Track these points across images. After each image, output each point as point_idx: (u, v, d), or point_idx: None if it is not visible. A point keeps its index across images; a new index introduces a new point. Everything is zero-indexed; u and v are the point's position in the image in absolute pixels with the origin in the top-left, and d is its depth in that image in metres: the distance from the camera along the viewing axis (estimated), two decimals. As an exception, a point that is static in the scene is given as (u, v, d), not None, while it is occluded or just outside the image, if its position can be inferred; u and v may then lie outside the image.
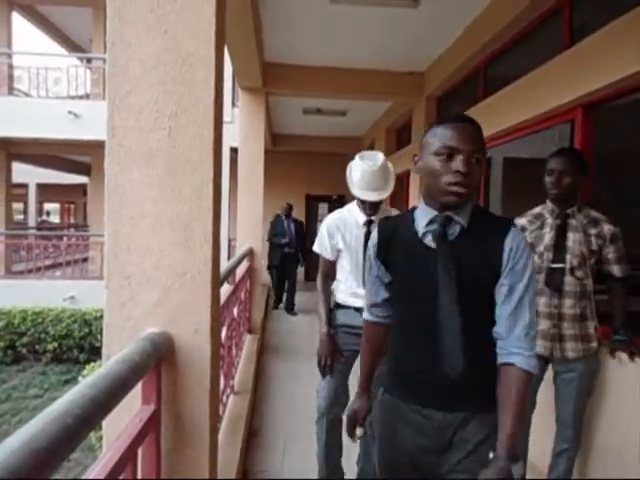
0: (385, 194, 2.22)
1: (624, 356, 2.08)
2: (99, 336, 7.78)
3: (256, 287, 5.18)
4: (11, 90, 10.04)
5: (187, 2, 1.25)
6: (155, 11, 1.25)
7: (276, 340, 5.71)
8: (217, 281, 1.41)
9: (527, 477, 2.32)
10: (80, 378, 5.10)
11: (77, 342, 7.75)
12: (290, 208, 7.46)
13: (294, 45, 4.65)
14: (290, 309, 7.24)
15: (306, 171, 10.60)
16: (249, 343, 4.66)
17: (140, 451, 1.12)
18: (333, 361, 2.24)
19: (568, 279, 2.12)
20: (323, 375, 2.27)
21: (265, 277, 7.43)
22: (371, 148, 8.34)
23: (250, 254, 4.90)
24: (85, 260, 10.61)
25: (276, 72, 5.09)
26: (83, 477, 0.87)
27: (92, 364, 5.41)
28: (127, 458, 1.01)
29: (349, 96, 5.67)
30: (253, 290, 5.05)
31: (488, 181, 6.68)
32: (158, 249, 1.24)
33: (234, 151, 7.18)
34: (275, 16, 3.96)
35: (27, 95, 10.57)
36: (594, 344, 2.10)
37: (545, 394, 2.24)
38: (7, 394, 6.60)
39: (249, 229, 5.21)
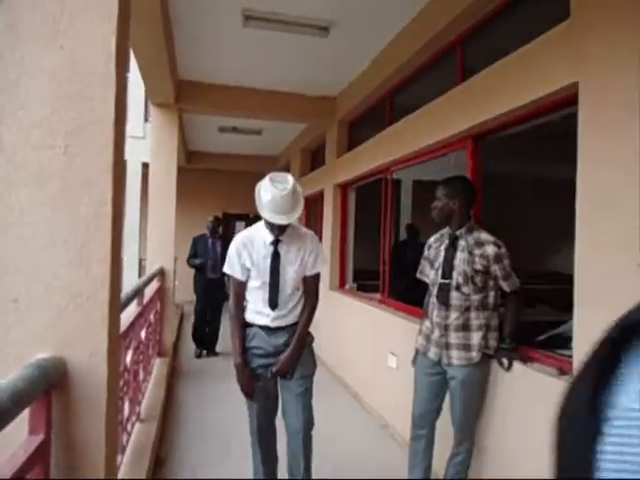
0: (294, 217, 2.23)
1: (506, 362, 2.30)
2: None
3: (167, 308, 5.00)
4: None
5: (86, 18, 1.24)
6: (51, 26, 1.23)
7: (188, 363, 5.52)
8: (116, 302, 1.37)
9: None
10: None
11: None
12: (217, 223, 5.86)
13: (208, 63, 4.65)
14: (210, 348, 5.85)
15: (223, 189, 10.49)
16: (159, 367, 4.47)
17: (26, 485, 1.06)
18: (252, 383, 2.28)
19: (454, 294, 2.32)
20: (248, 397, 2.32)
21: (180, 298, 7.13)
22: (287, 168, 8.49)
23: (161, 274, 4.73)
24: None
25: (190, 89, 5.04)
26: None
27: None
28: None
29: (264, 116, 5.75)
30: (164, 311, 4.87)
31: (399, 201, 7.11)
32: (51, 270, 1.20)
33: (146, 167, 6.94)
34: (188, 34, 3.95)
35: None
36: (474, 353, 2.29)
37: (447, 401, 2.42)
38: None
39: (160, 248, 5.04)
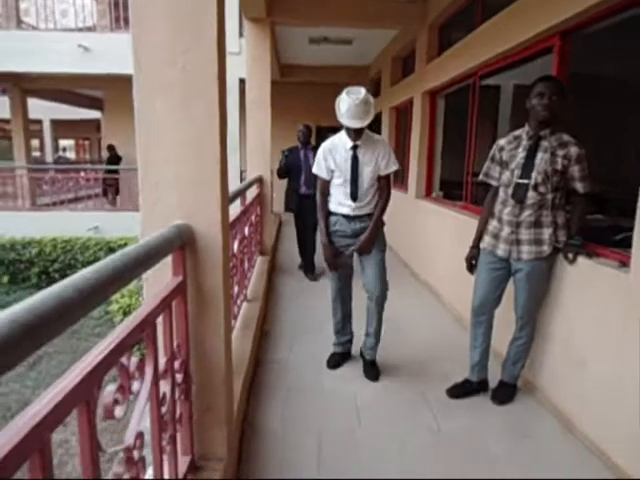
0: (366, 122, 2.68)
1: (571, 256, 2.44)
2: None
3: (266, 213, 5.58)
4: (19, 24, 10.07)
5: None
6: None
7: (286, 262, 6.19)
8: (225, 192, 1.78)
9: (489, 362, 2.79)
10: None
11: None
12: (308, 131, 5.26)
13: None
14: (309, 270, 5.40)
15: (316, 102, 10.64)
16: (260, 263, 5.13)
17: (172, 308, 1.55)
18: (335, 258, 2.95)
19: (531, 193, 2.45)
20: (332, 269, 3.00)
21: (277, 209, 7.63)
22: (378, 77, 8.38)
23: (260, 181, 5.25)
24: (105, 194, 11.10)
25: (280, 1, 5.16)
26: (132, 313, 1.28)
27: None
28: (163, 307, 1.43)
29: (355, 24, 5.72)
30: (264, 215, 5.46)
31: (497, 109, 6.81)
32: (178, 162, 1.61)
33: (242, 82, 7.32)
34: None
35: (35, 28, 10.58)
36: (545, 247, 2.46)
37: (508, 291, 2.65)
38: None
39: (258, 159, 5.52)
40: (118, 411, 1.06)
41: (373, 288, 2.87)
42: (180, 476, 1.58)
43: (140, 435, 1.21)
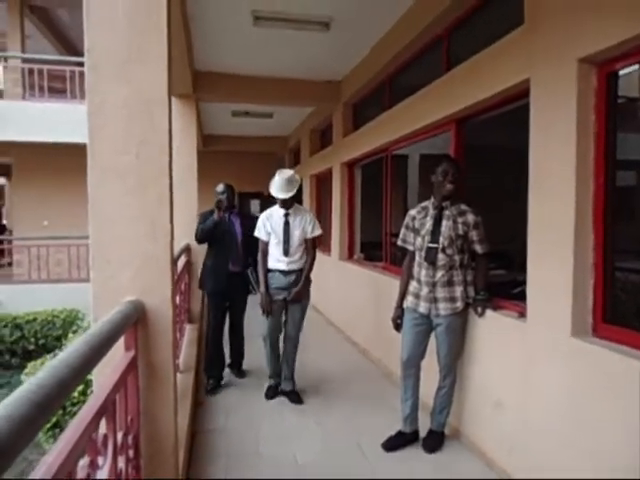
0: (290, 194, 3.58)
1: (479, 310, 2.80)
2: (32, 339, 7.74)
3: (193, 279, 5.58)
4: None
5: (146, 60, 1.73)
6: (122, 66, 1.72)
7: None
8: (174, 263, 1.90)
9: (419, 413, 3.00)
10: (23, 377, 5.23)
11: (8, 347, 7.67)
12: (232, 193, 4.12)
13: (222, 56, 5.09)
14: (236, 366, 4.34)
15: (237, 170, 10.97)
16: (190, 331, 5.07)
17: (125, 387, 1.60)
18: (271, 306, 3.62)
19: (440, 255, 2.81)
20: (266, 315, 3.65)
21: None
22: (297, 147, 8.93)
23: (187, 250, 5.29)
24: (10, 264, 10.29)
25: (206, 80, 5.50)
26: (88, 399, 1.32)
27: (34, 362, 5.53)
28: (120, 383, 1.49)
29: (274, 102, 6.20)
30: (191, 282, 5.45)
31: (406, 176, 7.53)
32: (132, 239, 1.72)
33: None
34: (203, 29, 4.38)
35: None
36: (459, 303, 2.80)
37: (431, 346, 2.93)
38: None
39: (185, 227, 5.58)
40: (89, 486, 1.11)
41: (292, 329, 3.72)
42: None
43: (104, 510, 1.24)
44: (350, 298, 5.53)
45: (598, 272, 2.14)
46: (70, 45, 11.38)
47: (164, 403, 1.81)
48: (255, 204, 11.25)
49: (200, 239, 4.09)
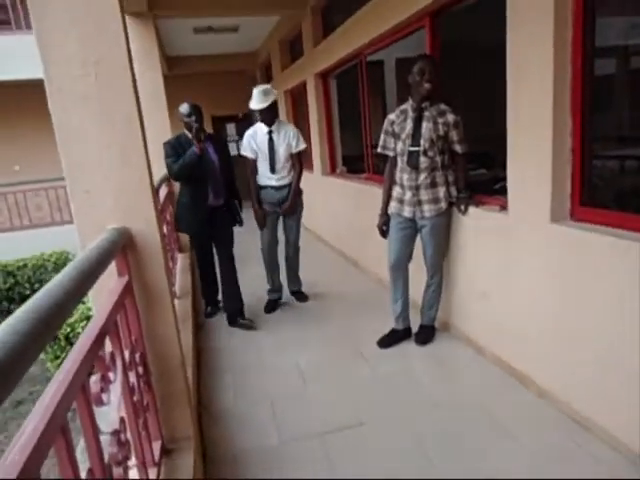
0: (265, 104, 3.58)
1: (463, 207, 2.86)
2: (27, 284, 7.82)
3: (179, 210, 5.55)
4: None
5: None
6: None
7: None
8: (154, 189, 1.87)
9: (409, 311, 3.16)
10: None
11: (5, 294, 7.75)
12: (197, 115, 3.43)
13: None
14: (233, 315, 3.73)
15: (208, 93, 10.46)
16: (182, 260, 5.13)
17: (124, 309, 1.64)
18: (265, 220, 3.78)
19: (422, 158, 2.80)
20: (261, 229, 3.83)
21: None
22: (268, 62, 8.48)
23: (167, 180, 5.20)
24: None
25: (160, -7, 5.07)
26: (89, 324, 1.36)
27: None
28: (118, 306, 1.53)
29: (237, 12, 5.78)
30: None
31: (383, 82, 7.27)
32: (106, 167, 1.68)
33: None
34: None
35: None
36: (442, 204, 2.85)
37: (417, 247, 3.02)
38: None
39: (160, 157, 5.43)
40: (105, 398, 1.18)
41: (291, 236, 3.94)
42: (156, 461, 1.71)
43: (123, 420, 1.34)
44: (337, 212, 5.58)
45: (576, 158, 2.16)
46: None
47: (165, 323, 1.88)
48: (231, 127, 10.87)
49: (177, 176, 3.43)
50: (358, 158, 5.44)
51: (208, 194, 3.48)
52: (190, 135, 3.42)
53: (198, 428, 2.39)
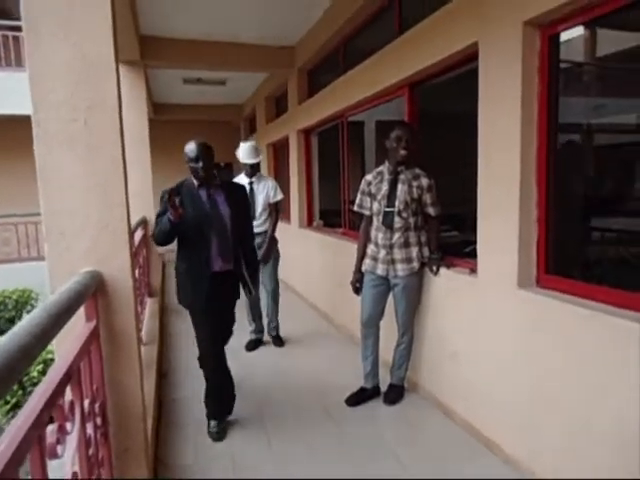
0: (256, 160, 4.04)
1: (435, 268, 2.93)
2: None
3: (152, 254, 5.49)
4: None
5: (90, 19, 1.65)
6: (63, 26, 1.64)
7: (174, 303, 6.08)
8: (131, 232, 1.88)
9: (379, 369, 3.14)
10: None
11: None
12: (206, 158, 2.74)
13: (170, 20, 4.86)
14: (218, 412, 2.85)
15: (192, 139, 10.64)
16: (151, 305, 5.02)
17: (88, 355, 1.60)
18: None
19: (396, 218, 2.90)
20: None
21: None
22: (252, 115, 8.75)
23: (144, 222, 5.17)
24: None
25: (153, 45, 5.26)
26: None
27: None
28: (83, 352, 1.49)
29: (227, 68, 6.01)
30: (150, 256, 5.37)
31: (363, 142, 7.56)
32: (86, 210, 1.68)
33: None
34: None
35: None
36: (415, 263, 2.92)
37: (389, 305, 3.05)
38: None
39: (141, 199, 5.43)
40: (59, 450, 1.13)
41: (269, 283, 4.15)
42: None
43: (75, 475, 1.27)
44: (311, 265, 5.60)
45: (541, 227, 2.27)
46: (2, 9, 10.51)
47: (129, 372, 1.83)
48: (212, 175, 11.00)
49: (158, 241, 2.67)
50: (335, 213, 5.55)
51: (211, 258, 2.68)
52: (195, 182, 2.76)
53: (153, 486, 2.26)
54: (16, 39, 8.61)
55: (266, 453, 2.56)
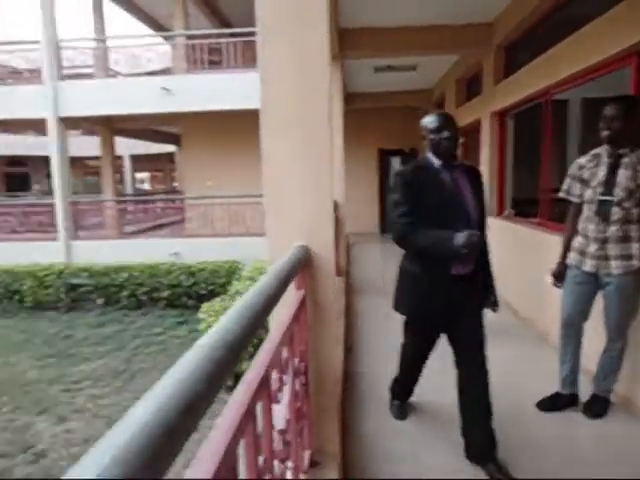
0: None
1: (662, 268, 2.47)
2: (203, 284, 8.97)
3: (341, 236, 5.86)
4: (107, 72, 11.21)
5: (308, 23, 1.82)
6: (287, 29, 1.84)
7: (359, 283, 6.42)
8: (332, 215, 2.04)
9: (578, 377, 2.81)
10: (200, 315, 6.13)
11: (186, 290, 9.00)
12: (453, 131, 2.21)
13: (366, 10, 5.04)
14: (482, 446, 2.29)
15: (377, 126, 10.94)
16: (338, 283, 5.38)
17: (298, 320, 1.80)
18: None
19: (615, 209, 2.51)
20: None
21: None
22: (442, 99, 8.53)
23: (336, 206, 5.54)
24: (183, 221, 11.92)
25: (350, 37, 5.52)
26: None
27: (207, 303, 6.41)
28: (296, 317, 1.69)
29: (421, 52, 5.97)
30: (338, 238, 5.74)
31: (565, 124, 6.76)
32: (299, 190, 1.88)
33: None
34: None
35: (118, 74, 11.74)
36: (635, 261, 2.50)
37: (597, 307, 2.70)
38: (137, 332, 8.00)
39: (334, 184, 5.83)
40: (279, 397, 1.31)
41: None
42: (305, 469, 1.80)
43: (289, 422, 1.46)
44: (500, 256, 5.27)
45: None
46: (224, 19, 12.25)
47: (327, 339, 2.00)
48: (396, 161, 11.14)
49: (399, 244, 2.34)
50: (528, 202, 5.10)
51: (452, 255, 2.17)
52: (436, 162, 2.27)
53: (342, 447, 2.46)
54: (235, 46, 9.96)
55: (443, 440, 2.54)
